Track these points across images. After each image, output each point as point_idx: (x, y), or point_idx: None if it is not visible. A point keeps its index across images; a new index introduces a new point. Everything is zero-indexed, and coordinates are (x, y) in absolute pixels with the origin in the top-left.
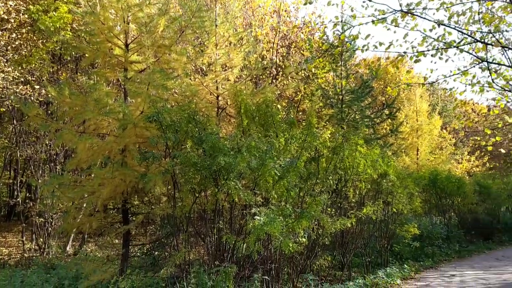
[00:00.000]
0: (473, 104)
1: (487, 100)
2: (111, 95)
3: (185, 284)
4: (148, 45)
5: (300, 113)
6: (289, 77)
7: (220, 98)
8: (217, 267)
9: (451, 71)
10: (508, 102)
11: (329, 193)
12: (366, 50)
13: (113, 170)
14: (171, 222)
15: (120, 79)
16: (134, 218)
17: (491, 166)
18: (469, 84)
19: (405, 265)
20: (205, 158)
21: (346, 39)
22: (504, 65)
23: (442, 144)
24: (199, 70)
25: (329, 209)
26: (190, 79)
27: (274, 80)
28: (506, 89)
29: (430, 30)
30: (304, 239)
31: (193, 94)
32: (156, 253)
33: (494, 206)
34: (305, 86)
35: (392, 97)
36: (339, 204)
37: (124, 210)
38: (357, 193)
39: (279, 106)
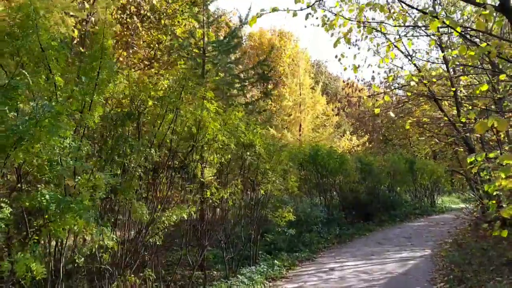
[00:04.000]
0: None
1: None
2: None
3: None
4: None
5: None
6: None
7: None
8: None
9: None
10: None
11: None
12: None
13: None
14: None
15: None
16: None
17: (371, 145)
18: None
19: (276, 261)
20: None
21: None
22: None
23: (326, 123)
24: None
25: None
26: None
27: None
28: None
29: None
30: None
31: None
32: None
33: (374, 185)
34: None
35: (266, 53)
36: (180, 186)
37: None
38: (209, 169)
39: None
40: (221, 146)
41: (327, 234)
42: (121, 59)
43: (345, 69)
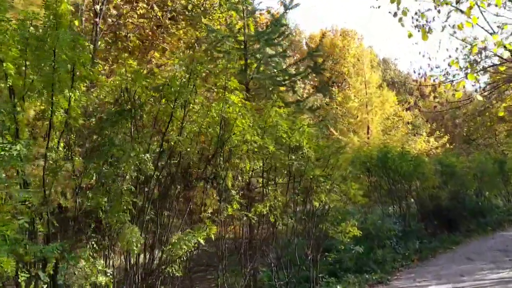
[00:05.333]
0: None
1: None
2: None
3: None
4: None
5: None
6: None
7: None
8: None
9: None
10: None
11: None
12: None
13: None
14: None
15: None
16: None
17: (451, 147)
18: None
19: (338, 287)
20: None
21: None
22: None
23: (397, 124)
24: None
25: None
26: None
27: None
28: None
29: None
30: None
31: None
32: None
33: (458, 189)
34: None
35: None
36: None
37: None
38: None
39: None
40: (256, 149)
41: (404, 250)
42: (154, 60)
43: (409, 35)
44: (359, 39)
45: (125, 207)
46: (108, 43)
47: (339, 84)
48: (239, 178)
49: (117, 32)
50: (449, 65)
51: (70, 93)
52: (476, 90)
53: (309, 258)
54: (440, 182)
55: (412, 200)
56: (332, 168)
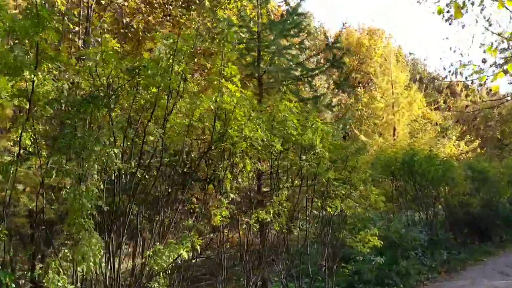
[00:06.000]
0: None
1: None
2: None
3: None
4: None
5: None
6: None
7: None
8: None
9: None
10: None
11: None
12: None
13: None
14: None
15: None
16: None
17: (483, 151)
18: None
19: None
20: None
21: None
22: None
23: (425, 127)
24: None
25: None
26: None
27: None
28: None
29: None
30: None
31: None
32: None
33: (491, 196)
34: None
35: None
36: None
37: None
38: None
39: None
40: (260, 148)
41: (430, 261)
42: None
43: (440, 11)
44: (387, 38)
45: (88, 212)
46: (107, 30)
47: (365, 85)
48: (239, 180)
49: (117, 18)
50: (483, 61)
51: (33, 76)
52: None
53: (324, 268)
54: (471, 188)
55: (440, 207)
56: (350, 171)
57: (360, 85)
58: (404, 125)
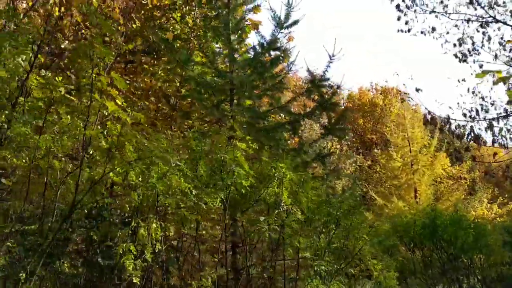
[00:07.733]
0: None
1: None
2: None
3: None
4: None
5: None
6: None
7: None
8: None
9: None
10: None
11: None
12: None
13: None
14: None
15: None
16: None
17: None
18: None
19: None
20: None
21: None
22: None
23: (452, 187)
24: None
25: None
26: None
27: None
28: None
29: None
30: None
31: None
32: None
33: None
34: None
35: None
36: None
37: None
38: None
39: None
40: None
41: None
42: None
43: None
44: (402, 97)
45: None
46: None
47: (382, 147)
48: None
49: None
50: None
51: None
52: None
53: None
54: (511, 256)
55: (476, 279)
56: (340, 238)
57: (377, 146)
58: (426, 185)
